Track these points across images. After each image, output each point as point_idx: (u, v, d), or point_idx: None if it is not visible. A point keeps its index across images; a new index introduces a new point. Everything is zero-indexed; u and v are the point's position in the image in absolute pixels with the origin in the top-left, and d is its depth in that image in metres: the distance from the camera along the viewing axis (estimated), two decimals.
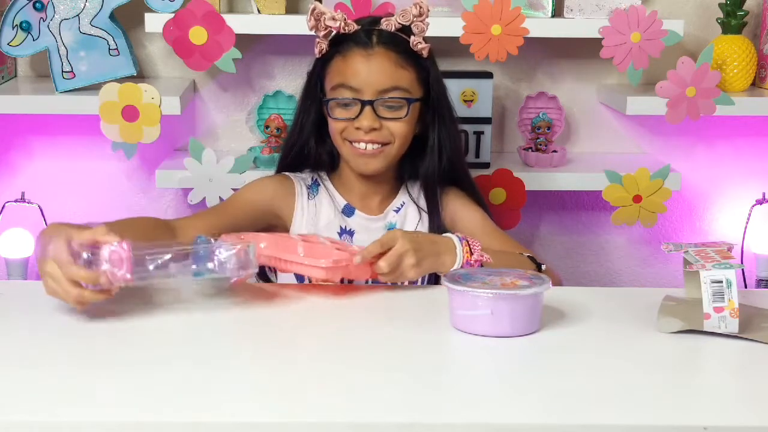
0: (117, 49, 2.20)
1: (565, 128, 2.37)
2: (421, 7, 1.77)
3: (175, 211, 2.41)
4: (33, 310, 1.46)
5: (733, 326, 1.36)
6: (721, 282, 1.36)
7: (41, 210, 2.32)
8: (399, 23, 1.79)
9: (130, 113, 2.07)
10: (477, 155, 2.27)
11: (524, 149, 2.32)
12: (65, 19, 2.17)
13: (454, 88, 2.22)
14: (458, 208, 1.88)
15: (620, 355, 1.33)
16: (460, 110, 2.23)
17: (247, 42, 2.23)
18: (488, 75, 2.26)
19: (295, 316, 1.45)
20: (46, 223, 2.32)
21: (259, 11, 2.19)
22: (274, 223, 1.86)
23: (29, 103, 2.19)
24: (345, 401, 1.17)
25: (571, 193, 2.45)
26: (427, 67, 1.83)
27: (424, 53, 1.81)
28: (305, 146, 1.88)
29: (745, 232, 2.43)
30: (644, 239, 2.49)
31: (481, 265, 1.60)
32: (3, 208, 2.33)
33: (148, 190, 2.40)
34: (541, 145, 2.31)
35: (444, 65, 2.33)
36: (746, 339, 1.37)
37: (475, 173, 2.22)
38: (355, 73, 1.77)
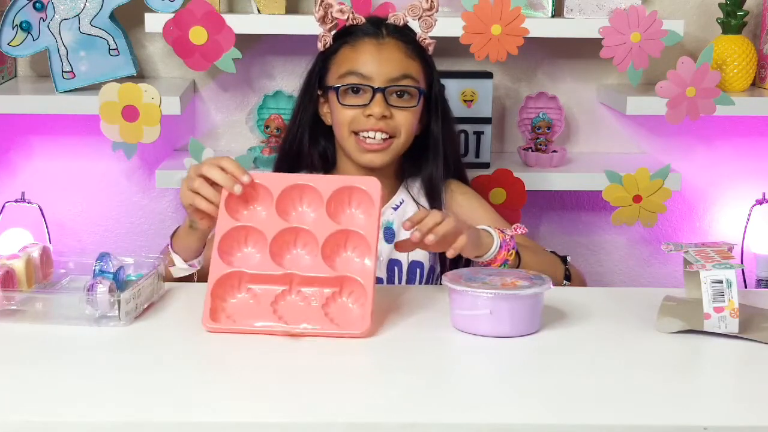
0: (117, 49, 2.20)
1: (565, 128, 2.37)
2: (431, 1, 1.77)
3: (174, 211, 2.41)
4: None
5: (733, 326, 1.36)
6: (721, 282, 1.36)
7: (41, 210, 2.32)
8: (408, 18, 1.79)
9: (130, 113, 2.06)
10: (477, 155, 2.27)
11: (524, 149, 2.32)
12: (65, 19, 2.17)
13: (454, 88, 2.23)
14: (463, 202, 1.87)
15: (620, 355, 1.33)
16: (460, 110, 2.23)
17: (247, 42, 2.23)
18: (488, 75, 2.26)
19: None
20: (46, 223, 2.31)
21: (259, 11, 2.19)
22: None
23: (29, 103, 2.19)
24: (345, 401, 1.17)
25: (571, 193, 2.45)
26: (431, 64, 1.84)
27: (430, 49, 1.82)
28: (301, 145, 1.87)
29: (745, 232, 2.43)
30: (644, 239, 2.49)
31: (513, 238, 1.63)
32: (3, 208, 2.32)
33: (148, 190, 2.40)
34: (541, 145, 2.31)
35: (444, 65, 2.34)
36: (746, 339, 1.37)
37: (475, 173, 2.23)
38: (365, 61, 1.77)
